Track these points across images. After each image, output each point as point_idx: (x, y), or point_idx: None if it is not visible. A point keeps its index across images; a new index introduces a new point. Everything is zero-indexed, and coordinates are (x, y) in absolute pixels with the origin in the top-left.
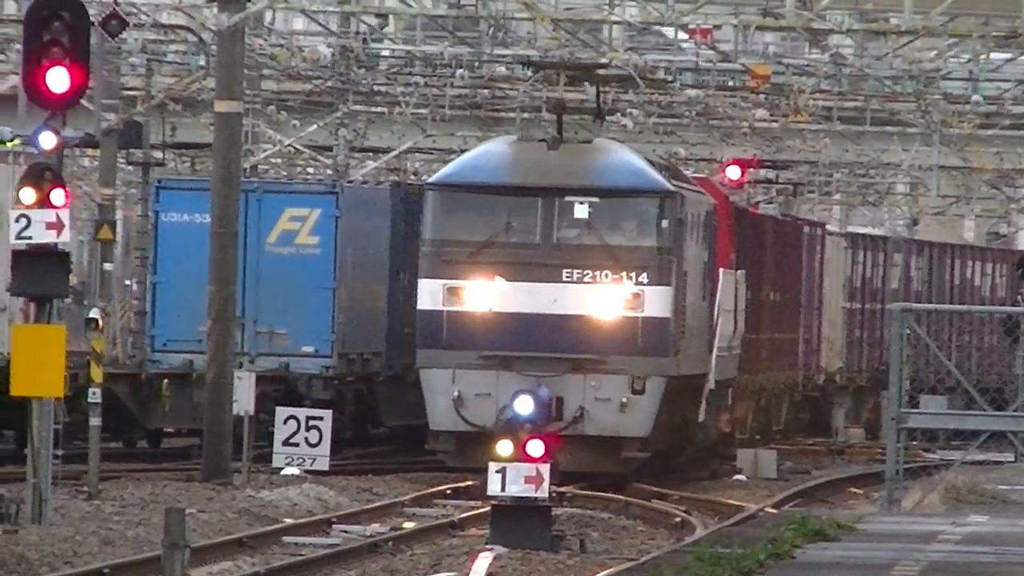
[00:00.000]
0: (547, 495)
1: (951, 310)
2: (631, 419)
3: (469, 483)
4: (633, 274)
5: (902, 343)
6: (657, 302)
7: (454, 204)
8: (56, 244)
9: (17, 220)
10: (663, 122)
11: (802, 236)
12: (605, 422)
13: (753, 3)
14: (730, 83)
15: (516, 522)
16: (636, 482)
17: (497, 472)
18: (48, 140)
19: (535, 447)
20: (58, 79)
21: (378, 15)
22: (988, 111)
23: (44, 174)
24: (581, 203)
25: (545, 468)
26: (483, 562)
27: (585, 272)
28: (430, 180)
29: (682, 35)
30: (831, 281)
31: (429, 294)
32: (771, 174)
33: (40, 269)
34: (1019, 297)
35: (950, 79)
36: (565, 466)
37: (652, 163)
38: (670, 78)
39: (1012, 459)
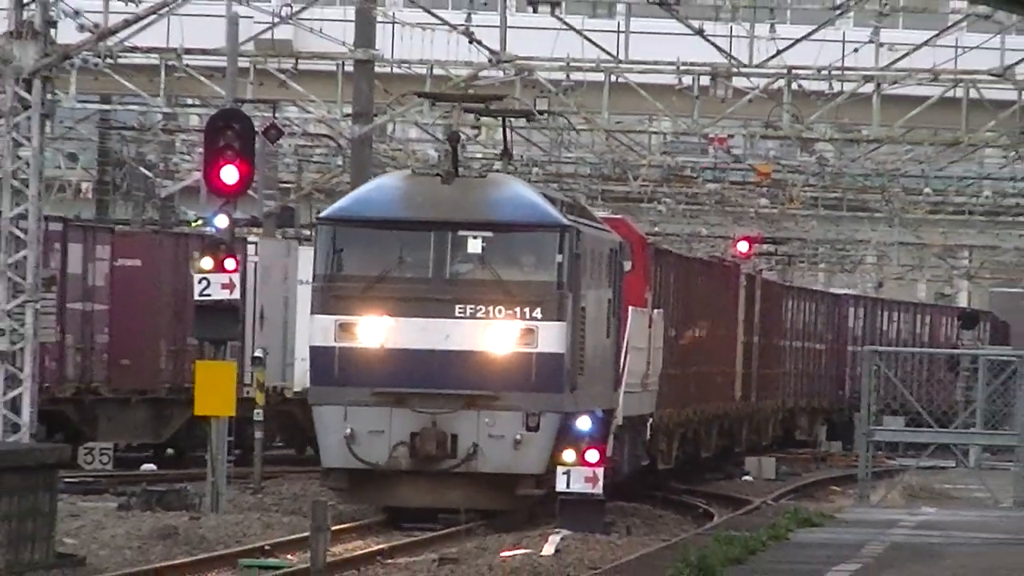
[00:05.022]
0: (601, 491)
1: (906, 352)
2: (525, 456)
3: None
4: (527, 309)
5: (870, 377)
6: (551, 338)
7: (346, 239)
8: (229, 300)
9: (199, 282)
10: (689, 208)
11: (736, 280)
12: (499, 459)
13: (758, 117)
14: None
15: (577, 512)
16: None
17: (563, 473)
18: (222, 221)
19: (592, 455)
20: (230, 174)
21: (473, 126)
22: (936, 200)
23: (219, 247)
24: (475, 237)
25: (600, 471)
26: (553, 540)
27: (478, 307)
28: (321, 214)
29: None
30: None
31: (321, 330)
32: (771, 248)
33: (217, 319)
34: (959, 342)
35: (907, 176)
36: (459, 504)
37: (549, 198)
38: (695, 175)
39: (954, 465)
